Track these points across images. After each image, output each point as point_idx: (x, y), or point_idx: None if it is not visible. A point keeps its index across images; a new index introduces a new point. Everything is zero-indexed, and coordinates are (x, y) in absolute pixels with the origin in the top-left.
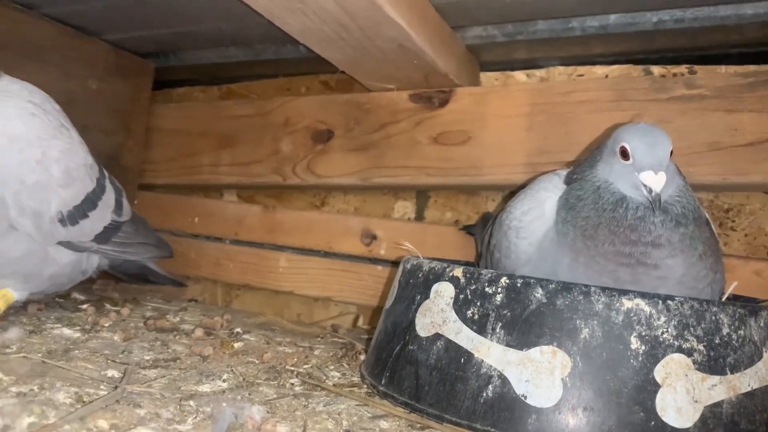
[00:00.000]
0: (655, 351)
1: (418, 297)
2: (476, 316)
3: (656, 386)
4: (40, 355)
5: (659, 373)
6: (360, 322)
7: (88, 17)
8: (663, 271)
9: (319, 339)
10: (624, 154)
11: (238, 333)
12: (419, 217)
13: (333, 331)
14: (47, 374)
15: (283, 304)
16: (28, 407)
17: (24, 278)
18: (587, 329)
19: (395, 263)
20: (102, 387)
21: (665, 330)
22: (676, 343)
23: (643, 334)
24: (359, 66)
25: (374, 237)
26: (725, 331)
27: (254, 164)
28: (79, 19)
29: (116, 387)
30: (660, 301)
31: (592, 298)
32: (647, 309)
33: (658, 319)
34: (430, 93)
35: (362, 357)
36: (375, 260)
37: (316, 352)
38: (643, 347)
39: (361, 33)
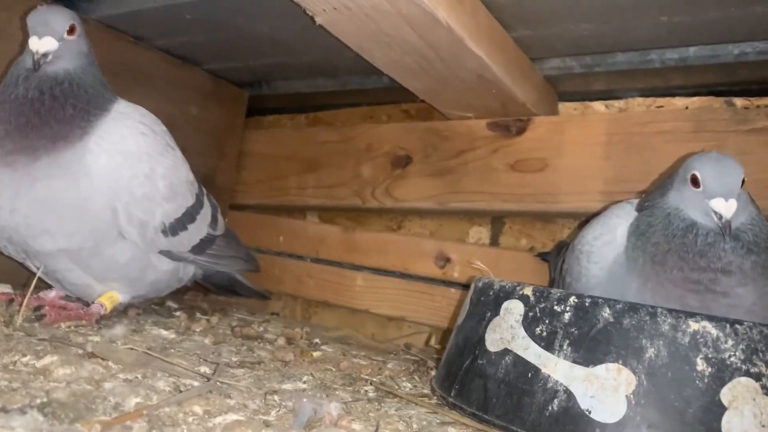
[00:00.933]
0: (722, 374)
1: (489, 314)
2: (544, 333)
3: (722, 408)
4: (141, 350)
5: (725, 395)
6: (432, 341)
7: (190, 48)
8: (732, 299)
9: (392, 355)
10: (695, 181)
11: (316, 344)
12: (494, 242)
13: (406, 348)
14: (149, 365)
15: (359, 322)
16: (135, 390)
17: (129, 282)
18: (653, 349)
19: (468, 286)
20: (196, 379)
21: (732, 353)
22: (743, 367)
23: (710, 356)
24: (439, 95)
25: (448, 260)
26: None
27: (336, 187)
28: (183, 49)
29: (209, 380)
30: (728, 325)
31: (659, 319)
32: (714, 332)
33: (726, 342)
34: (507, 121)
35: (433, 372)
36: (449, 283)
37: (389, 366)
38: (710, 369)
39: (443, 64)
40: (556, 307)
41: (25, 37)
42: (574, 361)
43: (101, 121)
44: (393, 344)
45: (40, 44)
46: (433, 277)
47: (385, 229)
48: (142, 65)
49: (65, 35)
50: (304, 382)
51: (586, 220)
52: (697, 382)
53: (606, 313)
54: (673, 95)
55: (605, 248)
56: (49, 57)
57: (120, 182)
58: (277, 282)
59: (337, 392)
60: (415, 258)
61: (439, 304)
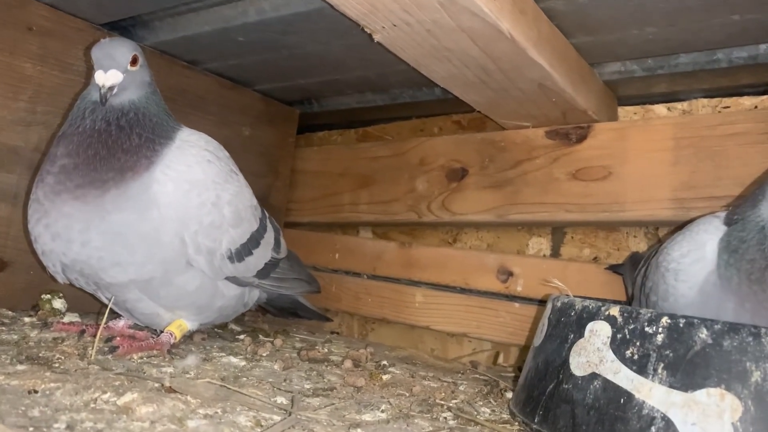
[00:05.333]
0: None
1: (571, 336)
2: (636, 356)
3: None
4: (216, 381)
5: None
6: (500, 360)
7: (242, 70)
8: None
9: (460, 375)
10: None
11: (384, 366)
12: (555, 253)
13: (473, 367)
14: (228, 399)
15: (417, 338)
16: (218, 428)
17: (197, 310)
18: (759, 372)
19: (533, 300)
20: (274, 412)
21: None
22: None
23: None
24: (498, 106)
25: (510, 274)
26: None
27: (391, 202)
28: (235, 72)
29: (289, 413)
30: None
31: (763, 339)
32: None
33: None
34: (567, 129)
35: (508, 394)
36: (512, 297)
37: (461, 388)
38: None
39: (503, 75)
40: (647, 329)
41: (89, 69)
42: (671, 386)
43: (167, 150)
44: (458, 363)
45: (105, 78)
46: (496, 291)
47: (441, 243)
48: (196, 89)
49: (129, 66)
50: (383, 411)
51: (655, 228)
52: None
53: (703, 334)
54: (741, 94)
55: (694, 266)
56: (115, 89)
57: (188, 211)
58: (334, 300)
59: (416, 421)
60: (475, 272)
61: (503, 319)
